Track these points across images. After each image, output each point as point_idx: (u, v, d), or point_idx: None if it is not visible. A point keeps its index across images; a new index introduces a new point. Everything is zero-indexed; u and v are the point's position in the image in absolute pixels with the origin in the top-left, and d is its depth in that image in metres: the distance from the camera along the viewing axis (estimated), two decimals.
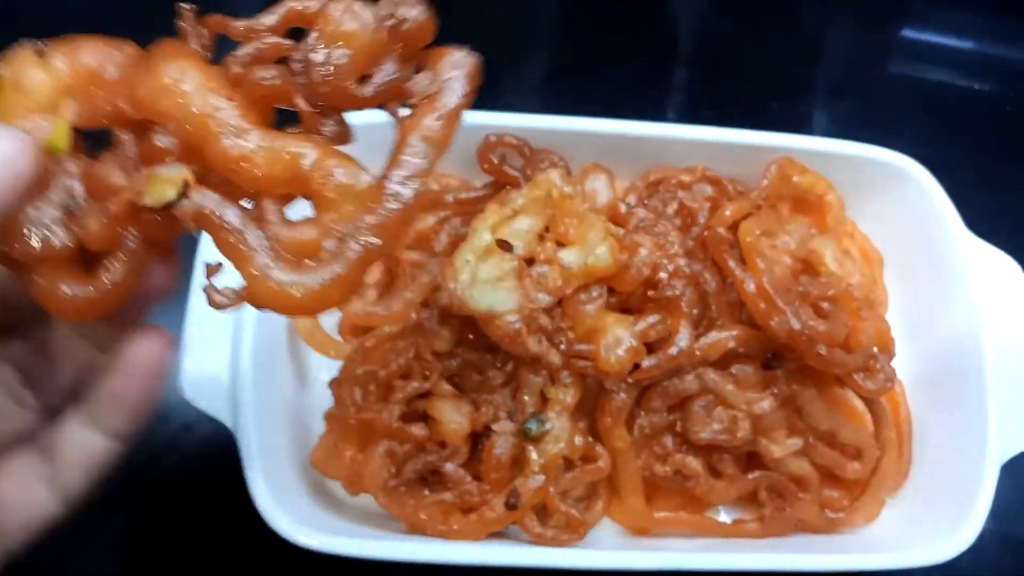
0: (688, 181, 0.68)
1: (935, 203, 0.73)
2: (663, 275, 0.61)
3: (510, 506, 0.58)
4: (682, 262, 0.62)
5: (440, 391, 0.62)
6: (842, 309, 0.66)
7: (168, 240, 0.38)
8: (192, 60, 0.36)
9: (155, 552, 0.71)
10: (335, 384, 0.61)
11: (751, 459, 0.67)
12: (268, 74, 0.36)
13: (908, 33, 1.06)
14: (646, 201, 0.69)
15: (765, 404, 0.63)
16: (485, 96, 0.79)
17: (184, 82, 0.35)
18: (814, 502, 0.66)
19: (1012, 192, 0.90)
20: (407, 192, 0.36)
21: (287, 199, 0.36)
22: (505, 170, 0.67)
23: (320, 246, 0.35)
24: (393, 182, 0.36)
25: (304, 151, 0.35)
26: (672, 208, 0.68)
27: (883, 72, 1.02)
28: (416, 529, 0.60)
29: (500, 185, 0.68)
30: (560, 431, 0.60)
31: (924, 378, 0.72)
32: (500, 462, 0.59)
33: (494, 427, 0.60)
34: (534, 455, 0.59)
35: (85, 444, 0.41)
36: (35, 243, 0.35)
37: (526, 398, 0.61)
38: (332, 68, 0.35)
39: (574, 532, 0.60)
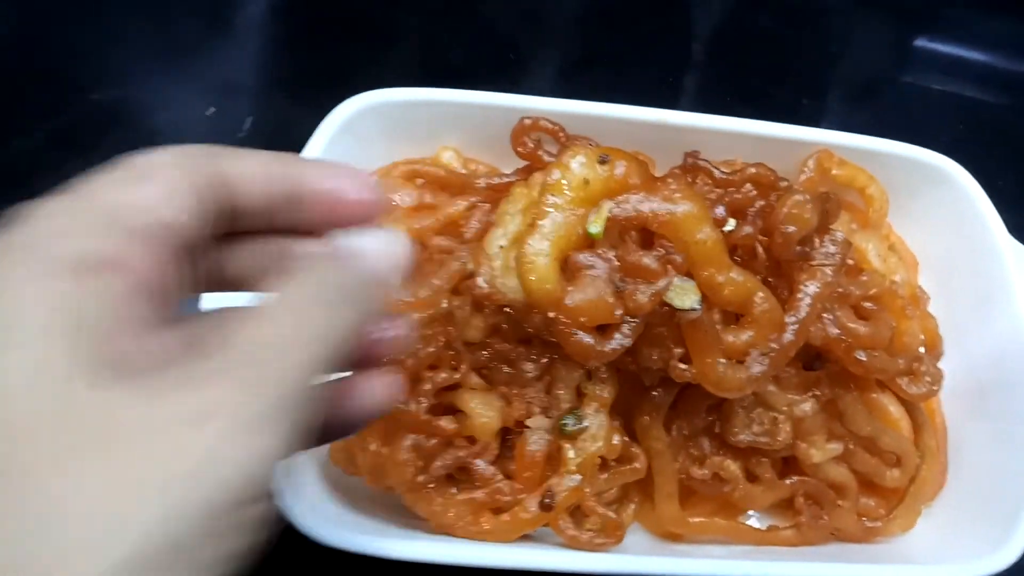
0: (736, 180, 0.64)
1: (977, 206, 0.70)
2: None
3: (545, 506, 0.55)
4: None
5: (470, 383, 0.59)
6: (886, 308, 0.64)
7: (664, 326, 0.53)
8: (700, 200, 0.52)
9: None
10: None
11: (788, 464, 0.65)
12: (746, 230, 0.56)
13: (936, 45, 1.04)
14: None
15: (807, 407, 0.61)
16: (510, 82, 0.77)
17: (701, 222, 0.51)
18: (852, 510, 0.64)
19: None
20: (795, 325, 0.56)
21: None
22: (540, 155, 0.64)
23: (746, 352, 0.54)
24: (790, 319, 0.55)
25: (758, 290, 0.54)
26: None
27: (909, 81, 1.01)
28: (443, 529, 0.56)
29: (532, 170, 0.65)
30: (598, 428, 0.57)
31: (962, 387, 0.70)
32: (534, 459, 0.56)
33: (528, 422, 0.57)
34: (571, 453, 0.56)
35: None
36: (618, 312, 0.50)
37: (561, 393, 0.58)
38: (788, 236, 0.55)
39: (611, 535, 0.57)
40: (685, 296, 0.51)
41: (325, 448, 0.60)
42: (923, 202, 0.74)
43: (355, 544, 0.52)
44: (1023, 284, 0.67)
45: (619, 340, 0.52)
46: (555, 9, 0.94)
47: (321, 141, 0.65)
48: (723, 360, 0.53)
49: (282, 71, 0.85)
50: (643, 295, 0.50)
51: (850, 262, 0.68)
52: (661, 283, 0.51)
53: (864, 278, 0.65)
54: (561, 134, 0.65)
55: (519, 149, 0.65)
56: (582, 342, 0.51)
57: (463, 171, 0.69)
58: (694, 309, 0.51)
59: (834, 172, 0.70)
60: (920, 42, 1.04)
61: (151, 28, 0.85)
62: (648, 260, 0.51)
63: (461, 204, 0.66)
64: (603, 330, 0.52)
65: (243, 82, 0.83)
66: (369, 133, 0.68)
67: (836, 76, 0.98)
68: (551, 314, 0.51)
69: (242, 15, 0.87)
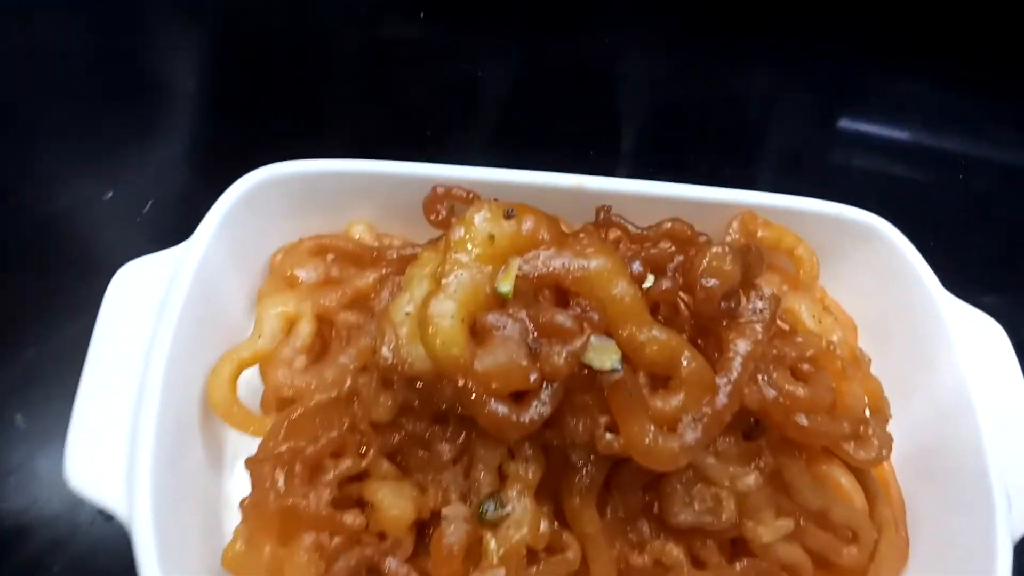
0: (651, 236, 0.61)
1: (910, 264, 0.68)
2: None
3: None
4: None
5: (379, 471, 0.53)
6: (824, 370, 0.60)
7: (587, 393, 0.49)
8: (614, 255, 0.49)
9: None
10: (251, 464, 0.52)
11: (736, 546, 0.59)
12: (665, 284, 0.53)
13: (859, 124, 1.05)
14: None
15: (750, 480, 0.56)
16: (430, 154, 0.74)
17: (616, 276, 0.48)
18: None
19: (980, 260, 0.88)
20: (728, 386, 0.51)
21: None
22: (453, 223, 0.61)
23: (677, 418, 0.49)
24: (722, 380, 0.51)
25: (684, 349, 0.49)
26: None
27: (834, 159, 1.02)
28: None
29: None
30: (522, 514, 0.51)
31: (911, 454, 0.66)
32: (452, 553, 0.50)
33: (444, 511, 0.51)
34: (492, 544, 0.50)
35: None
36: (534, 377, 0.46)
37: (481, 475, 0.52)
38: (710, 291, 0.51)
39: None
40: (605, 356, 0.47)
41: (217, 557, 0.53)
42: (854, 262, 0.72)
43: None
44: (962, 339, 0.65)
45: (537, 409, 0.47)
46: (473, 86, 0.93)
47: (216, 217, 0.60)
48: (652, 428, 0.49)
49: (186, 151, 0.81)
50: (559, 356, 0.46)
51: (784, 326, 0.65)
52: (578, 343, 0.46)
53: (799, 339, 0.62)
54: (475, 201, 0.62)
55: (431, 217, 0.62)
56: (496, 413, 0.46)
57: (374, 243, 0.65)
58: (615, 370, 0.47)
59: (760, 234, 0.68)
60: (844, 121, 1.05)
61: (42, 111, 0.82)
62: (562, 318, 0.47)
63: (371, 276, 0.61)
64: (520, 399, 0.48)
65: (142, 163, 0.78)
66: (273, 208, 0.64)
67: (760, 154, 0.98)
68: (460, 381, 0.46)
69: (140, 94, 0.84)
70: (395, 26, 0.99)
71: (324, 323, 0.61)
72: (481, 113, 0.92)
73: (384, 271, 0.61)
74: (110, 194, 0.75)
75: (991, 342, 0.66)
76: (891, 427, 0.65)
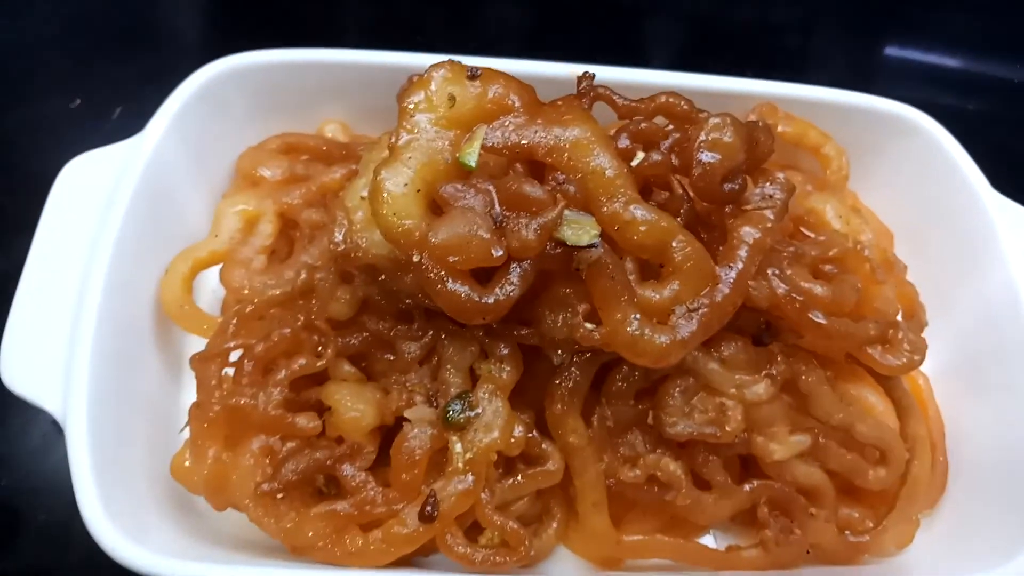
0: (642, 108, 0.54)
1: (953, 160, 0.61)
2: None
3: (426, 517, 0.43)
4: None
5: (339, 374, 0.48)
6: (850, 271, 0.53)
7: (553, 269, 0.42)
8: (595, 125, 0.43)
9: None
10: (196, 361, 0.47)
11: (746, 466, 0.53)
12: (655, 157, 0.46)
13: (906, 53, 0.96)
14: None
15: (760, 389, 0.49)
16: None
17: (596, 145, 0.42)
18: (830, 521, 0.51)
19: None
20: (732, 276, 0.44)
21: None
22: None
23: (669, 310, 0.43)
24: (725, 270, 0.45)
25: (676, 232, 0.43)
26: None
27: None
28: (299, 551, 0.44)
29: None
30: (493, 416, 0.45)
31: (952, 367, 0.59)
32: (413, 458, 0.44)
33: (407, 413, 0.46)
34: (458, 447, 0.45)
35: None
36: (498, 252, 0.40)
37: (449, 376, 0.46)
38: (709, 167, 0.45)
39: (514, 552, 0.44)
40: (581, 230, 0.41)
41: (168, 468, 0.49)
42: (889, 162, 0.64)
43: (166, 570, 0.40)
44: (1011, 239, 0.57)
45: (504, 289, 0.41)
46: None
47: (170, 110, 0.55)
48: (638, 316, 0.42)
49: (158, 61, 0.77)
50: (528, 229, 0.40)
51: (809, 234, 0.58)
52: (550, 215, 0.40)
53: (822, 238, 0.55)
54: None
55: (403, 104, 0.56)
56: (455, 293, 0.40)
57: (341, 138, 0.60)
58: (593, 246, 0.40)
59: (780, 129, 0.61)
60: (890, 50, 0.96)
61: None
62: (531, 188, 0.41)
63: (338, 172, 0.56)
64: (486, 280, 0.42)
65: (112, 71, 0.74)
66: (237, 105, 0.59)
67: (800, 57, 0.90)
68: (415, 257, 0.40)
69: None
70: None
71: (290, 224, 0.56)
72: (478, 17, 0.86)
73: (353, 167, 0.55)
74: (78, 102, 0.71)
75: None
76: (932, 340, 0.57)
